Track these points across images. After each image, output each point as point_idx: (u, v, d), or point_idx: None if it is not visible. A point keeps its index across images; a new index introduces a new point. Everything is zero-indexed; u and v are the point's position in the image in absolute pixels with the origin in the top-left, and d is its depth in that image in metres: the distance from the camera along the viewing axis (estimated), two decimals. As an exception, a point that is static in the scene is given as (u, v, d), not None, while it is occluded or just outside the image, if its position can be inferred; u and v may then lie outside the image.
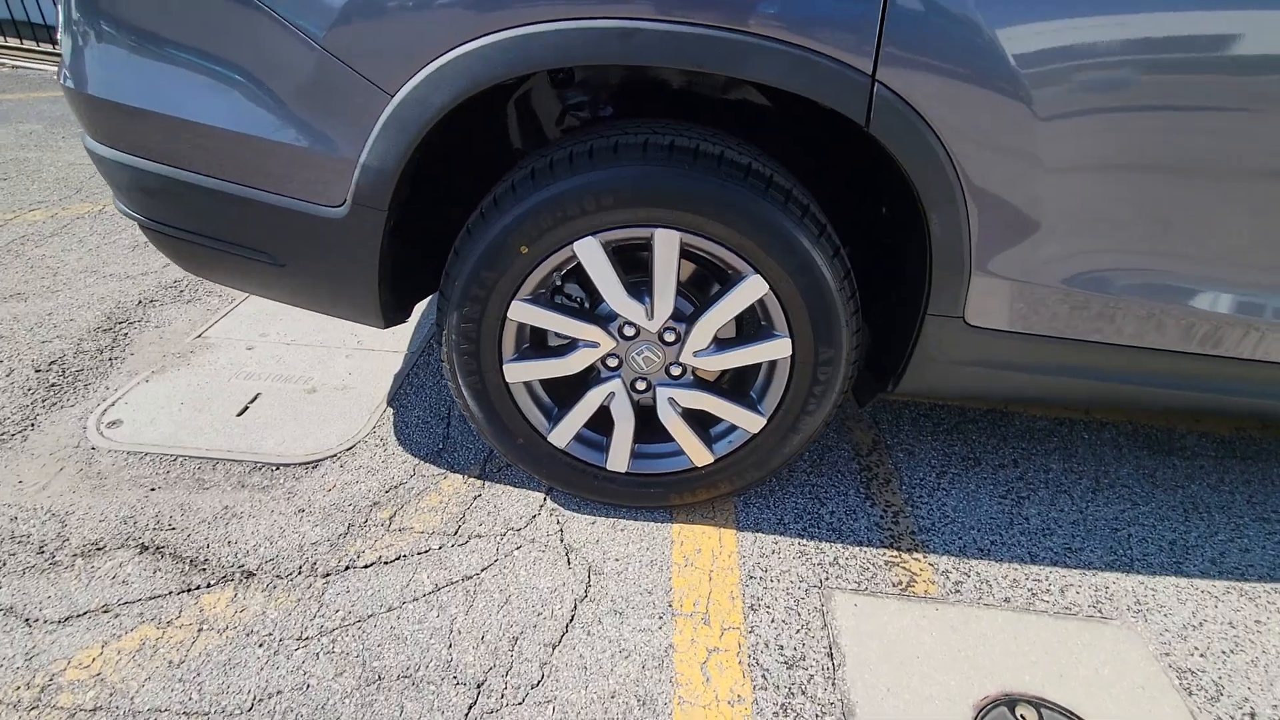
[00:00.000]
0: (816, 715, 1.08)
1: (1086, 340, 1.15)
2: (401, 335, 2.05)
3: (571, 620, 1.21)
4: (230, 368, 1.88)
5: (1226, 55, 0.92)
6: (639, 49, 0.96)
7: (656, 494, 1.40)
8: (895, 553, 1.39)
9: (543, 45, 0.96)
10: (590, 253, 1.13)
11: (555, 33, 0.95)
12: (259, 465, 1.54)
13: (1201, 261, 1.07)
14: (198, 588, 1.23)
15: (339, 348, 1.99)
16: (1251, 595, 1.35)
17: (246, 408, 1.72)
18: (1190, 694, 1.15)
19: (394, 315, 1.33)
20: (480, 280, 1.16)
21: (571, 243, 1.13)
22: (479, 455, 1.60)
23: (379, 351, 1.98)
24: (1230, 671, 1.19)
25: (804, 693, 1.11)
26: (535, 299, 1.21)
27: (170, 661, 1.10)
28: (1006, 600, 1.30)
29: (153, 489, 1.45)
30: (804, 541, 1.41)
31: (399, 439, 1.64)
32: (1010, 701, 1.12)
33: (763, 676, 1.14)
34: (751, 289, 1.15)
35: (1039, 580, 1.35)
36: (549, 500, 1.47)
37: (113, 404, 1.71)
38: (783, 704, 1.10)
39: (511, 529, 1.40)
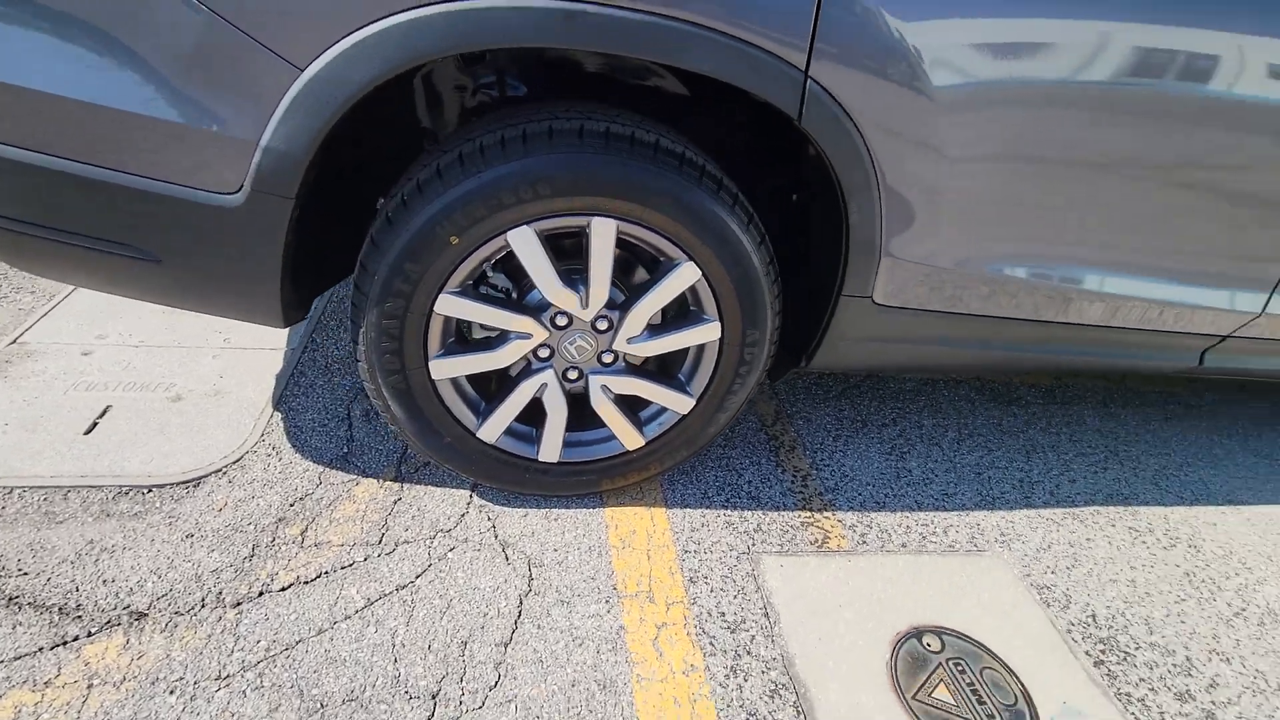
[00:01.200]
0: (762, 671, 1.17)
1: (973, 315, 1.31)
2: (276, 331, 1.85)
3: (519, 616, 1.20)
4: (64, 378, 1.60)
5: (1086, 64, 1.08)
6: (580, 32, 0.94)
7: (589, 480, 1.41)
8: (808, 513, 1.52)
9: (491, 20, 0.90)
10: (525, 243, 1.10)
11: (508, 9, 0.89)
12: (125, 489, 1.34)
13: (1070, 244, 1.26)
14: (76, 638, 1.06)
15: (202, 347, 1.76)
16: (1081, 518, 1.63)
17: (95, 424, 1.48)
18: (1048, 605, 1.38)
19: (294, 313, 1.21)
20: (404, 273, 1.08)
21: (505, 232, 1.08)
22: (391, 456, 1.51)
23: (253, 350, 1.78)
24: (1074, 583, 1.45)
25: (749, 653, 1.19)
26: (463, 291, 1.15)
27: (57, 728, 0.94)
28: (904, 545, 1.47)
29: (-12, 530, 1.21)
30: (729, 512, 1.49)
31: (295, 446, 1.50)
32: (918, 633, 1.28)
33: (710, 643, 1.20)
34: (685, 275, 1.18)
35: (926, 524, 1.54)
36: (475, 497, 1.43)
37: (-93, 431, 1.39)
38: (732, 666, 1.17)
39: (441, 530, 1.34)
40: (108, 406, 1.54)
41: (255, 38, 0.90)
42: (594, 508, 1.45)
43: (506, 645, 1.15)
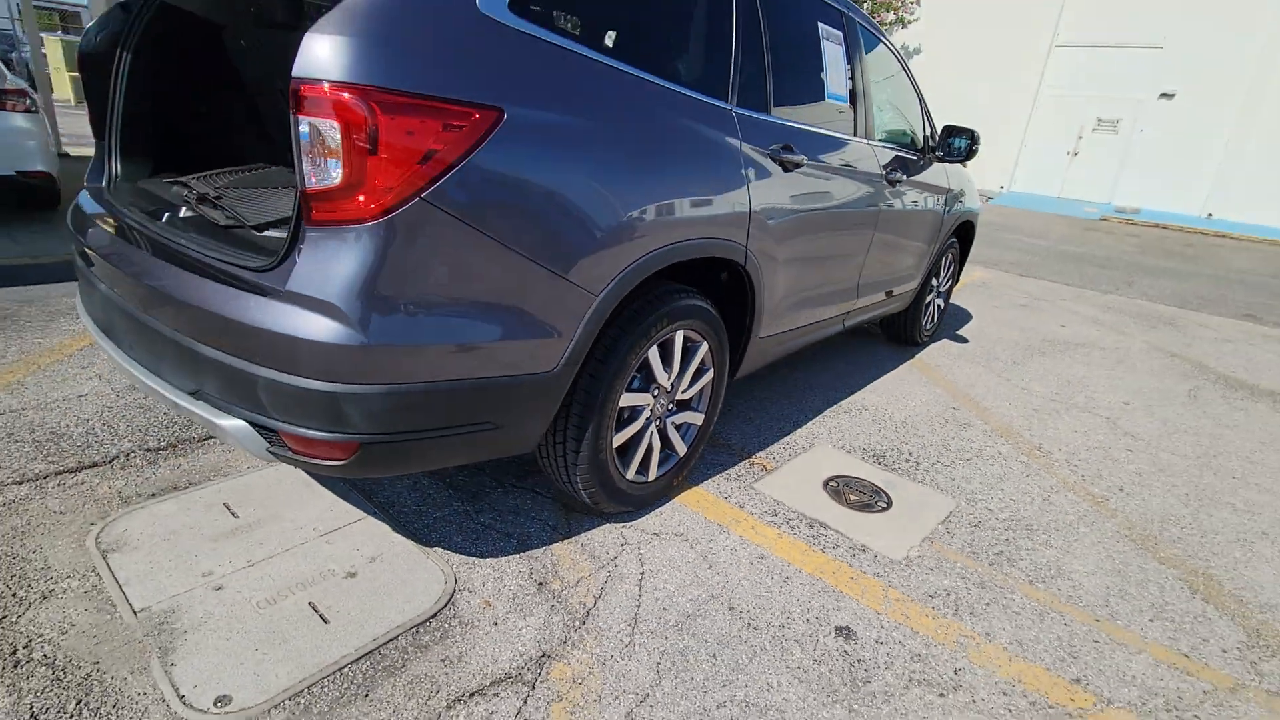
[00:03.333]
0: (766, 508, 2.32)
1: (789, 328, 2.72)
2: (340, 507, 2.16)
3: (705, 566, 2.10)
4: (238, 610, 1.73)
5: (823, 210, 2.55)
6: (693, 251, 1.96)
7: (667, 485, 2.34)
8: (749, 461, 2.72)
9: (684, 250, 1.87)
10: (653, 352, 2.04)
11: (690, 244, 1.87)
12: (411, 629, 1.72)
13: (817, 291, 2.75)
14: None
15: (305, 543, 2.00)
16: (832, 415, 3.23)
17: (321, 615, 1.74)
18: (849, 453, 2.88)
19: None
20: (611, 387, 1.91)
21: (646, 351, 2.01)
22: (549, 527, 2.14)
23: (347, 525, 2.09)
24: (858, 440, 2.99)
25: (777, 514, 2.34)
26: (627, 389, 2.01)
27: None
28: (793, 452, 2.80)
29: None
30: (723, 480, 2.58)
31: (469, 556, 2.01)
32: (841, 476, 2.62)
33: (776, 518, 2.30)
34: (704, 350, 2.26)
35: (795, 439, 2.90)
36: (617, 526, 2.20)
37: None
38: (770, 517, 2.30)
39: (624, 543, 2.11)
40: (310, 602, 1.77)
41: (581, 285, 1.67)
42: (663, 504, 2.37)
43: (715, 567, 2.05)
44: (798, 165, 2.38)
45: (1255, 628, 2.05)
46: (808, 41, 2.57)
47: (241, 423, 1.51)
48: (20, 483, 2.09)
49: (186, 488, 2.18)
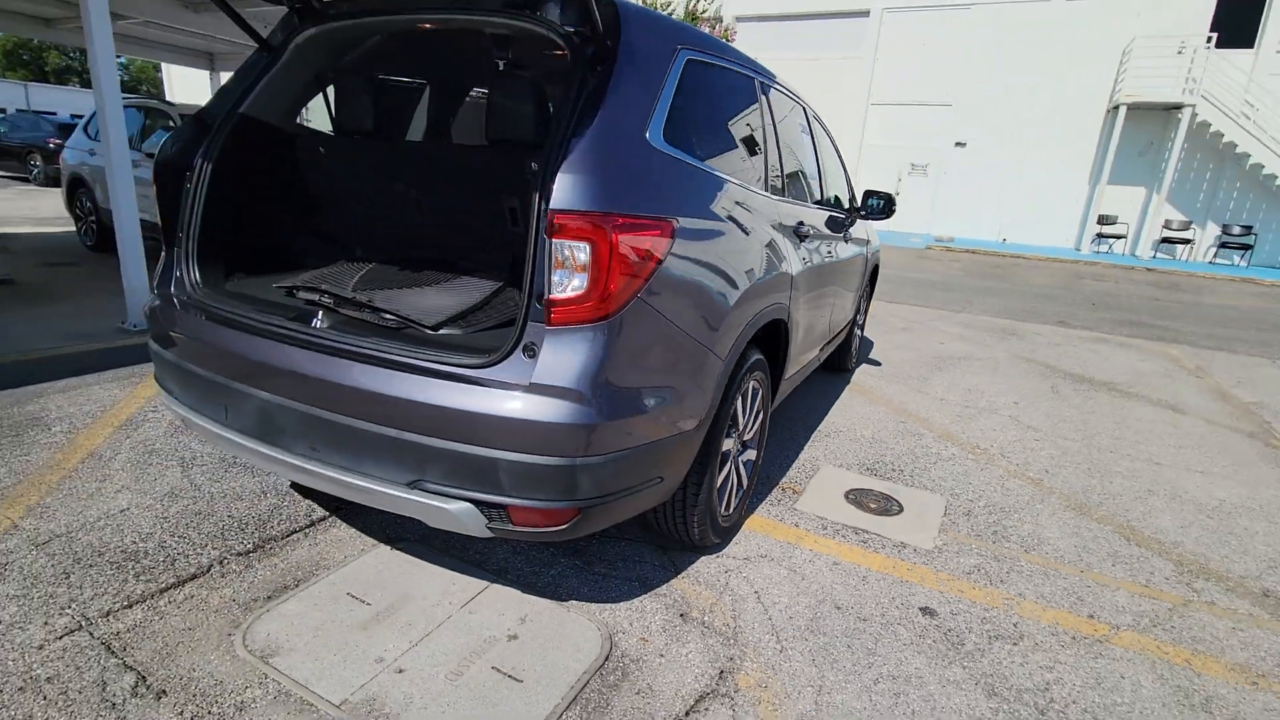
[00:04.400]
0: (797, 514, 2.77)
1: (800, 368, 3.20)
2: (460, 580, 2.28)
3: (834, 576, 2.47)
4: (435, 697, 1.83)
5: (818, 260, 3.07)
6: (770, 314, 2.37)
7: (739, 516, 2.69)
8: (781, 489, 3.14)
9: (766, 314, 2.26)
10: (739, 402, 2.41)
11: (769, 309, 2.27)
12: (592, 675, 1.92)
13: (817, 329, 3.26)
14: (729, 693, 1.85)
15: (449, 615, 2.12)
16: (822, 434, 3.76)
17: (514, 679, 1.89)
18: (847, 469, 3.41)
19: None
20: (721, 435, 2.25)
21: (737, 401, 2.38)
22: (659, 567, 2.40)
23: (479, 595, 2.22)
24: (854, 458, 3.53)
25: (819, 521, 2.78)
26: (724, 434, 2.36)
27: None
28: (810, 474, 3.27)
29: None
30: (770, 509, 2.98)
31: (611, 604, 2.23)
32: (856, 489, 3.11)
33: (811, 526, 2.73)
34: (761, 395, 2.66)
35: (799, 467, 3.37)
36: (720, 557, 2.51)
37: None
38: (813, 526, 2.74)
39: (740, 558, 2.42)
40: (493, 666, 1.91)
41: (718, 354, 2.01)
42: (737, 533, 2.72)
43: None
44: (807, 236, 2.90)
45: (1177, 558, 2.79)
46: (794, 133, 3.13)
47: (465, 504, 1.68)
48: (129, 606, 2.00)
49: (297, 586, 2.19)
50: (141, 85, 42.25)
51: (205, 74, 10.82)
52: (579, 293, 1.57)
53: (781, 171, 2.81)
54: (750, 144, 2.54)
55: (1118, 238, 16.68)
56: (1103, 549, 2.82)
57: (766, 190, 2.61)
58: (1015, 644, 2.16)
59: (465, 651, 1.96)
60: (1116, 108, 15.75)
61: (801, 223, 2.84)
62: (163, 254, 2.30)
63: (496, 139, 2.08)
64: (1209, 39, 14.89)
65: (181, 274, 2.18)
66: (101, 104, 4.20)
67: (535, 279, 1.58)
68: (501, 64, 2.58)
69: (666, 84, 1.91)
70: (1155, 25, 15.36)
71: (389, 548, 2.43)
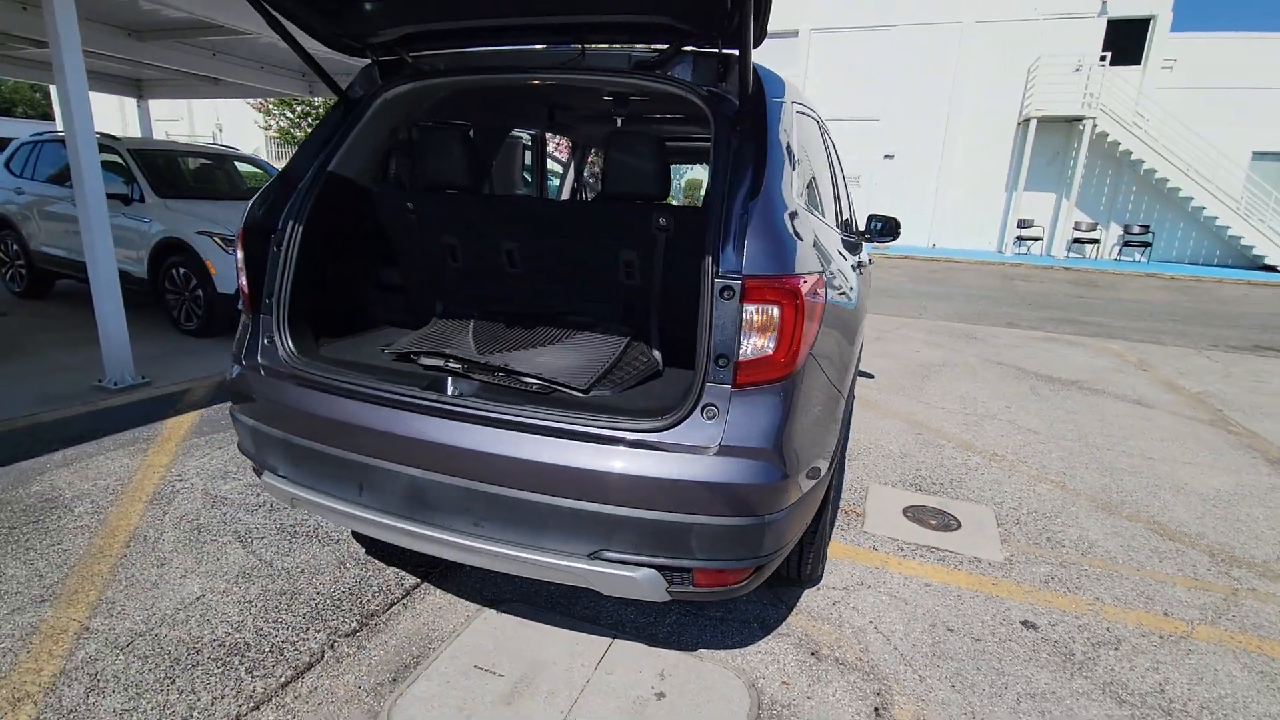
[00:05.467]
0: (864, 531, 2.88)
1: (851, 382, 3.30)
2: (582, 639, 2.23)
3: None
4: (608, 752, 1.79)
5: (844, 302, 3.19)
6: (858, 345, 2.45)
7: (828, 545, 2.75)
8: (844, 513, 3.23)
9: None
10: (836, 438, 2.48)
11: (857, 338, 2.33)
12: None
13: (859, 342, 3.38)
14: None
15: (588, 679, 2.07)
16: (861, 449, 3.89)
17: (678, 737, 1.87)
18: (893, 487, 3.54)
19: None
20: (835, 471, 2.30)
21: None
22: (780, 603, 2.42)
23: (608, 653, 2.18)
24: (910, 474, 3.66)
25: (885, 538, 2.89)
26: (826, 473, 2.42)
27: None
28: (865, 490, 3.37)
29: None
30: (842, 532, 3.06)
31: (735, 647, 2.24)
32: (911, 506, 3.23)
33: (870, 543, 2.83)
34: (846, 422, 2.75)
35: (850, 487, 3.47)
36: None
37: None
38: (869, 543, 2.84)
39: (842, 587, 2.47)
40: (658, 730, 1.88)
41: (843, 394, 2.06)
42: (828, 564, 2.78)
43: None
44: (862, 265, 3.02)
45: (1207, 549, 3.05)
46: (831, 156, 3.26)
47: (650, 570, 1.65)
48: (256, 708, 1.85)
49: (418, 663, 2.08)
50: (16, 108, 38.61)
51: (103, 96, 10.13)
52: (767, 354, 1.59)
53: (836, 202, 2.91)
54: (830, 186, 2.63)
55: (1036, 239, 18.00)
56: (1144, 546, 3.04)
57: (837, 226, 2.70)
58: (1116, 649, 2.31)
59: (621, 716, 1.92)
60: (1027, 120, 17.06)
61: (855, 249, 2.95)
62: (243, 319, 2.15)
63: (614, 194, 2.07)
64: (1102, 58, 16.38)
65: (273, 342, 2.05)
66: (74, 146, 3.88)
67: (714, 340, 1.59)
68: (619, 120, 2.56)
69: (793, 138, 1.96)
70: (1057, 45, 16.75)
71: (494, 610, 2.35)
